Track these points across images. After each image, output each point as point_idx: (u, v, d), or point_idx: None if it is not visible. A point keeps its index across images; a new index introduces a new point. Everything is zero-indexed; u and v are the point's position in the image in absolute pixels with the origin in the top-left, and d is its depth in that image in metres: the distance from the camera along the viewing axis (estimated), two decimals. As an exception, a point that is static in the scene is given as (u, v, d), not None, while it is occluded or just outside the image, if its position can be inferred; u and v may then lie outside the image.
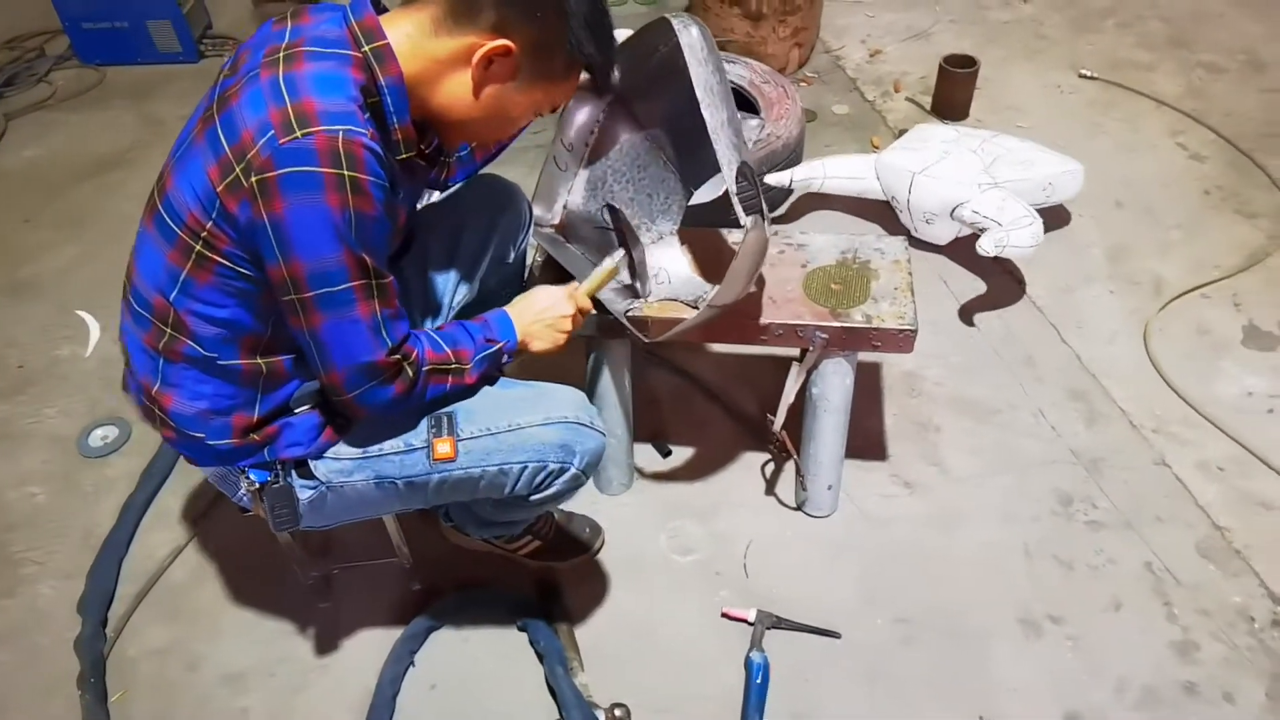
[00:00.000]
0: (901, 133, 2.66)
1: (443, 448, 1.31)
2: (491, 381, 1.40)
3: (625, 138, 1.66)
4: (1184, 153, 2.73)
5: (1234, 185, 2.60)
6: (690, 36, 1.35)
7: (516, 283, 1.71)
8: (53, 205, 2.75)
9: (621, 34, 1.51)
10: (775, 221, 2.53)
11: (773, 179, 2.39)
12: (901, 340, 1.59)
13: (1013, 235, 2.08)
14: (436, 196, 1.68)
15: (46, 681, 1.64)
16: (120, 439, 2.05)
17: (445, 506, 1.73)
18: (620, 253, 1.56)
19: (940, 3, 3.46)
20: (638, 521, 1.86)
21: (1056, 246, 2.43)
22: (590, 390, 1.77)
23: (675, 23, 1.37)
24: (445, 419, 1.33)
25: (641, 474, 1.95)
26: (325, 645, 1.69)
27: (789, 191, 2.56)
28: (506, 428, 1.34)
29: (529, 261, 1.75)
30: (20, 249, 2.61)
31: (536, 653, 1.64)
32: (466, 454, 1.33)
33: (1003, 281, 2.34)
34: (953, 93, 2.84)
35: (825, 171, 2.41)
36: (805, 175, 2.41)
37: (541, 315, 1.41)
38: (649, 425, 2.02)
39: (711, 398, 2.08)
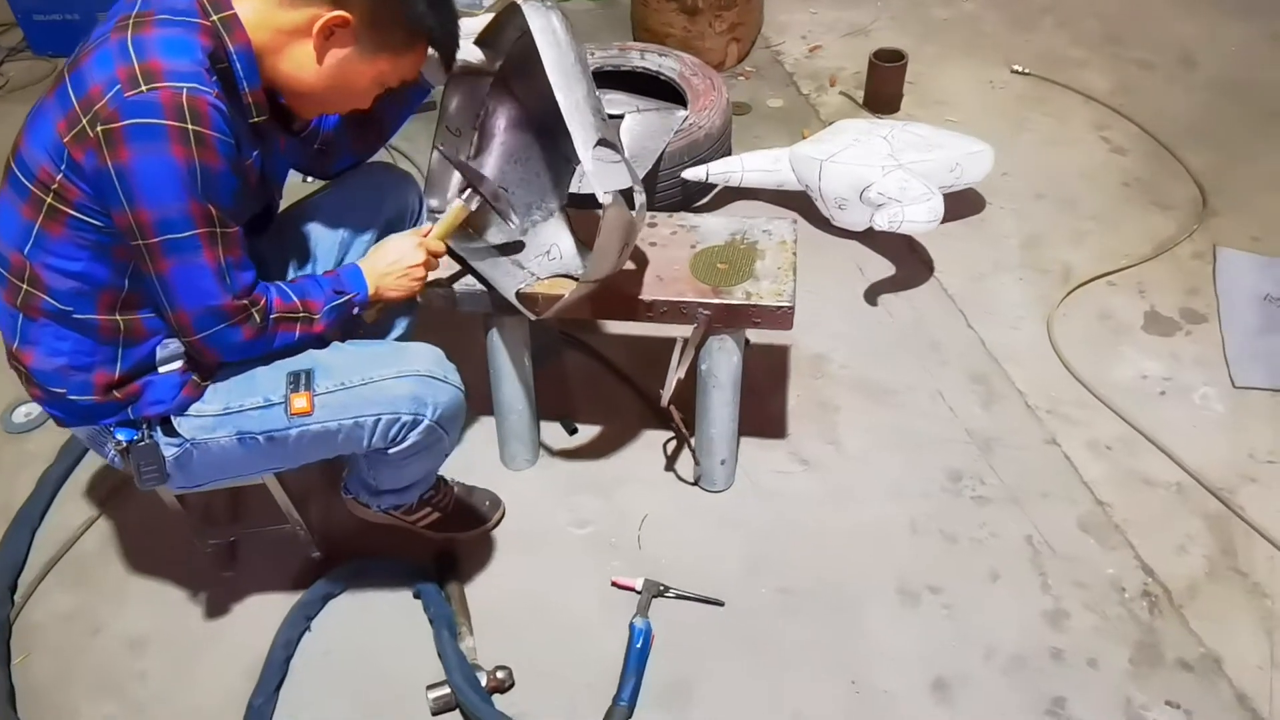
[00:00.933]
0: (830, 125, 2.72)
1: (299, 402, 1.37)
2: (346, 331, 1.45)
3: (509, 119, 1.70)
4: (1107, 146, 2.79)
5: (1153, 178, 2.66)
6: (541, 20, 1.39)
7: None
8: None
9: (483, 20, 1.56)
10: (699, 210, 2.59)
11: (690, 174, 2.45)
12: (779, 316, 1.65)
13: (908, 211, 2.13)
14: None
15: (-48, 645, 1.69)
16: (43, 416, 2.09)
17: (344, 479, 1.78)
18: (466, 193, 1.58)
19: (882, 0, 3.52)
20: (540, 496, 1.91)
21: (972, 237, 2.49)
22: (489, 367, 1.83)
23: (527, 8, 1.41)
24: (303, 375, 1.39)
25: (548, 451, 2.00)
26: (224, 611, 1.74)
27: (710, 186, 2.62)
28: (360, 381, 1.40)
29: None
30: (-37, 234, 2.66)
31: (429, 619, 1.69)
32: (322, 408, 1.38)
33: (918, 270, 2.39)
34: (882, 87, 2.90)
35: (743, 165, 2.47)
36: (723, 169, 2.47)
37: (393, 266, 1.48)
38: (557, 404, 2.07)
39: (621, 379, 2.14)
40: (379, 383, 1.41)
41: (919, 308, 2.29)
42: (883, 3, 3.51)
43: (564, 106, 1.40)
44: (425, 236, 1.54)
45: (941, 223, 2.19)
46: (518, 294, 1.64)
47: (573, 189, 1.81)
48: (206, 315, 1.28)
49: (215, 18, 1.21)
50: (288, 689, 1.62)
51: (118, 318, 1.31)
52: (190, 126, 1.15)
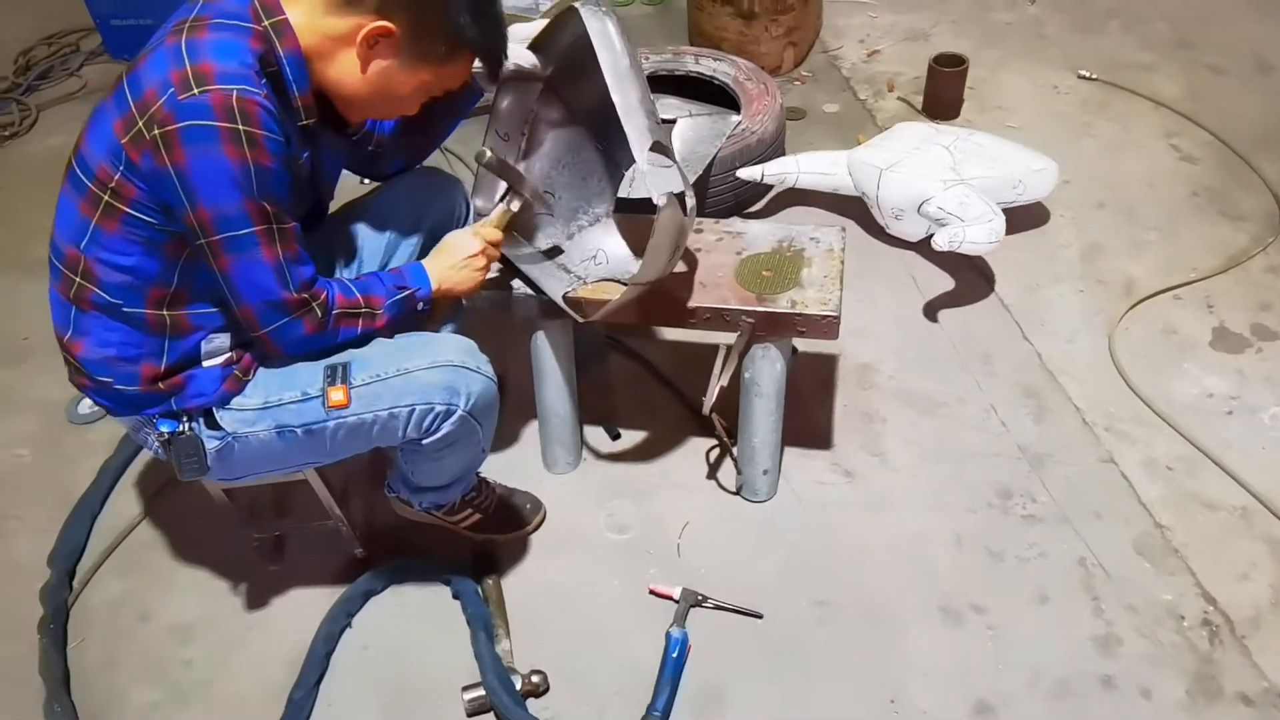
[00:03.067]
0: (888, 130, 2.67)
1: (336, 395, 1.39)
2: (408, 327, 1.48)
3: (558, 124, 1.71)
4: (1176, 154, 2.69)
5: (1224, 187, 2.56)
6: (597, 24, 1.40)
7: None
8: (71, 190, 2.91)
9: (537, 25, 1.58)
10: (751, 216, 2.57)
11: (744, 173, 2.43)
12: (825, 326, 1.62)
13: (969, 232, 2.08)
14: None
15: (12, 627, 1.75)
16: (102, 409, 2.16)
17: (387, 477, 1.81)
18: (509, 196, 1.61)
19: (944, 3, 3.45)
20: (580, 499, 1.91)
21: (1030, 246, 2.42)
22: (533, 370, 1.83)
23: (584, 11, 1.42)
24: (340, 368, 1.41)
25: (592, 454, 2.00)
26: (268, 604, 1.77)
27: (767, 187, 2.59)
28: (394, 373, 1.42)
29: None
30: (38, 228, 2.74)
31: (466, 619, 1.70)
32: (358, 400, 1.41)
33: (972, 280, 2.34)
34: (942, 92, 2.84)
35: (799, 167, 2.44)
36: (778, 170, 2.44)
37: (453, 258, 1.51)
38: (601, 409, 2.07)
39: (664, 384, 2.13)
40: (412, 373, 1.43)
41: (972, 318, 2.24)
42: (943, 7, 3.44)
43: (620, 109, 1.41)
44: (479, 229, 1.56)
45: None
46: (564, 297, 1.64)
47: (621, 193, 1.81)
48: (268, 310, 1.32)
49: (267, 23, 1.24)
50: (327, 683, 1.64)
51: (165, 313, 1.35)
52: (241, 127, 1.18)
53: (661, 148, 1.44)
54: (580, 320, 1.64)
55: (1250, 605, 1.66)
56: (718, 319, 1.65)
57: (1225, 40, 3.11)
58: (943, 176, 2.25)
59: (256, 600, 1.78)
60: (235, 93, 1.18)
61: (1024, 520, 1.81)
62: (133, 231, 1.28)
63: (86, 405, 2.18)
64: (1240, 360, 2.09)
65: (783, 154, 2.59)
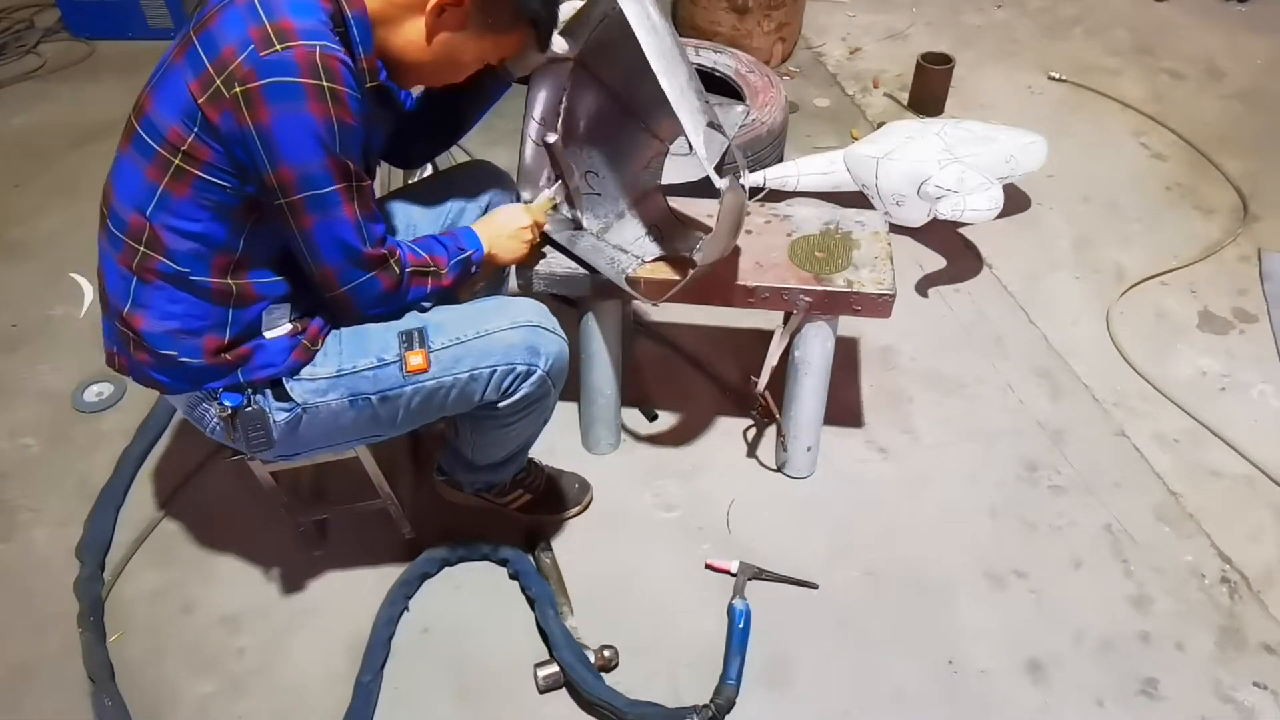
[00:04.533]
0: (880, 125, 2.76)
1: (415, 360, 1.39)
2: (462, 292, 1.49)
3: (596, 102, 1.70)
4: (1146, 152, 2.86)
5: (1193, 183, 2.74)
6: (638, 7, 1.39)
7: (499, 273, 1.77)
8: (43, 173, 2.77)
9: (571, 6, 1.58)
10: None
11: (747, 180, 2.47)
12: (880, 304, 1.68)
13: (969, 200, 2.18)
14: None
15: (41, 620, 1.68)
16: (115, 396, 2.08)
17: (437, 460, 1.79)
18: (557, 183, 1.66)
19: (917, 5, 3.59)
20: (624, 480, 1.93)
21: (1027, 237, 2.55)
22: (581, 351, 1.84)
23: None
24: (416, 333, 1.41)
25: (632, 435, 2.02)
26: (318, 589, 1.74)
27: (761, 189, 2.65)
28: (475, 334, 1.43)
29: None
30: (11, 212, 2.63)
31: (528, 598, 1.70)
32: (437, 363, 1.41)
33: (975, 267, 2.44)
34: (929, 88, 2.96)
35: (799, 170, 2.50)
36: (779, 174, 2.50)
37: (504, 227, 1.54)
38: (636, 391, 2.09)
39: (696, 367, 2.16)
40: (494, 334, 1.43)
41: (980, 304, 2.34)
42: (917, 8, 3.58)
43: (668, 92, 1.40)
44: (529, 207, 1.59)
45: (996, 217, 2.23)
46: (625, 278, 1.66)
47: (665, 180, 1.82)
48: (350, 267, 1.31)
49: None
50: (391, 667, 1.62)
51: (230, 281, 1.32)
52: (325, 84, 1.17)
53: (717, 126, 1.46)
54: (652, 304, 1.65)
55: (1262, 564, 1.79)
56: (776, 298, 1.69)
57: (1180, 48, 3.33)
58: (938, 157, 2.34)
59: (305, 586, 1.74)
60: (319, 49, 1.16)
61: (1051, 491, 1.91)
62: (204, 196, 1.25)
63: (94, 393, 2.09)
64: (1227, 341, 2.25)
65: (785, 144, 2.66)
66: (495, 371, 1.44)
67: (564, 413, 2.01)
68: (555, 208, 1.72)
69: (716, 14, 3.06)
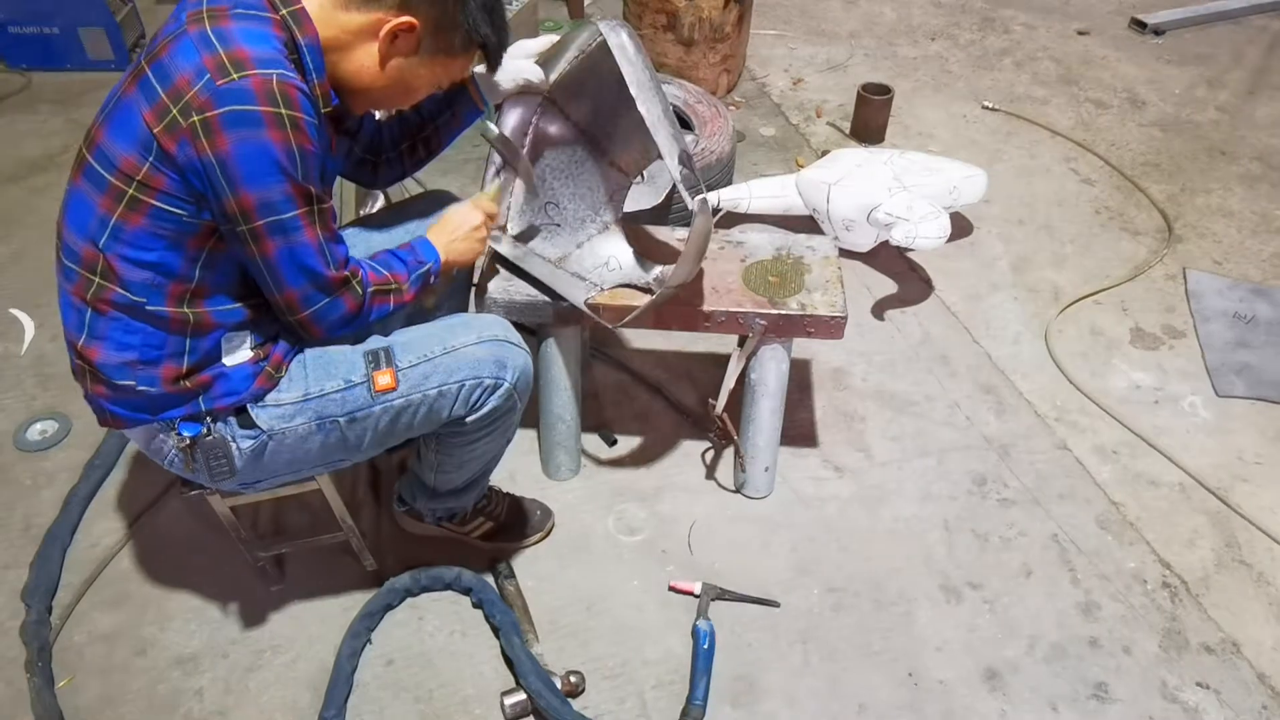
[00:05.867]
0: (823, 153, 2.85)
1: (383, 379, 1.40)
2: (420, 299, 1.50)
3: (560, 137, 1.75)
4: (1076, 177, 2.99)
5: (1120, 206, 2.87)
6: (619, 38, 1.46)
7: (464, 290, 1.78)
8: (-21, 206, 2.70)
9: (547, 40, 1.63)
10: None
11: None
12: (833, 326, 1.73)
13: (921, 227, 2.26)
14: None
15: (-13, 669, 1.62)
16: (60, 433, 2.03)
17: (396, 490, 1.78)
18: (505, 172, 1.68)
19: (855, 37, 3.71)
20: (586, 505, 1.94)
21: (967, 259, 2.64)
22: (540, 377, 1.85)
23: (603, 26, 1.48)
24: (383, 353, 1.42)
25: (592, 460, 2.03)
26: (279, 625, 1.71)
27: (716, 211, 2.71)
28: (442, 351, 1.44)
29: (478, 265, 1.82)
30: (-55, 249, 2.55)
31: (492, 626, 1.69)
32: (406, 381, 1.41)
33: (921, 290, 2.52)
34: (870, 117, 3.05)
35: (751, 193, 2.57)
36: (732, 196, 2.56)
37: (456, 230, 1.54)
38: (595, 417, 2.11)
39: (654, 391, 2.19)
40: (461, 350, 1.45)
41: (926, 325, 2.41)
42: (855, 41, 3.70)
43: (648, 120, 1.46)
44: (478, 201, 1.60)
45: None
46: (586, 303, 1.68)
47: (628, 207, 1.86)
48: (313, 291, 1.31)
49: (284, 11, 1.24)
50: (354, 701, 1.60)
51: (186, 310, 1.31)
52: (284, 111, 1.18)
53: (688, 159, 1.51)
54: (611, 326, 1.68)
55: (1199, 568, 1.87)
56: (732, 322, 1.73)
57: (1103, 79, 3.49)
58: (887, 185, 2.43)
59: (265, 623, 1.71)
60: (275, 76, 1.17)
61: (1000, 504, 1.98)
62: (159, 225, 1.24)
63: (37, 431, 2.03)
64: (1158, 356, 2.35)
65: (733, 173, 2.72)
66: (463, 386, 1.45)
67: (524, 440, 2.02)
68: (527, 223, 1.73)
69: (663, 45, 3.13)
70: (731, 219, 2.71)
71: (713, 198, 2.54)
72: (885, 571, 1.84)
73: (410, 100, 1.45)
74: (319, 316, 1.34)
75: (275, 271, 1.28)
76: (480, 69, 1.65)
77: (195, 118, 1.16)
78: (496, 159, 1.73)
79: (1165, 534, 1.93)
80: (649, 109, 1.48)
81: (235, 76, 1.15)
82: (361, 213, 2.14)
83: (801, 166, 2.93)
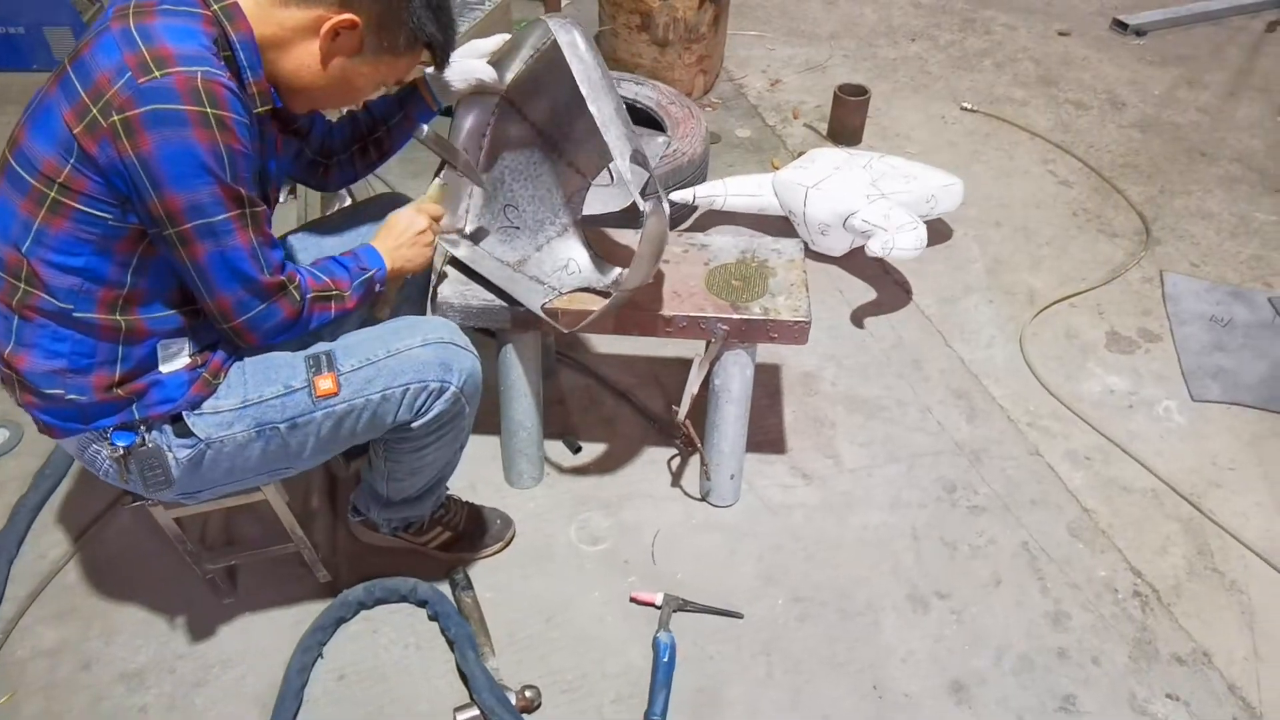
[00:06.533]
0: (799, 155, 2.81)
1: (324, 384, 1.35)
2: (372, 310, 1.47)
3: (518, 138, 1.71)
4: (1054, 179, 2.96)
5: (1097, 208, 2.84)
6: (570, 36, 1.43)
7: (422, 295, 1.74)
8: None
9: (499, 39, 1.59)
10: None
11: (676, 196, 2.50)
12: (796, 331, 1.69)
13: (898, 238, 2.23)
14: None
15: (-74, 685, 1.58)
16: (10, 442, 1.98)
17: (351, 500, 1.74)
18: (445, 171, 1.64)
19: (834, 38, 3.68)
20: (548, 514, 1.90)
21: (942, 261, 2.61)
22: (500, 384, 1.82)
23: (552, 24, 1.45)
24: (324, 357, 1.38)
25: (556, 468, 1.99)
26: (229, 639, 1.67)
27: (693, 208, 2.68)
28: (386, 354, 1.40)
29: (435, 268, 1.78)
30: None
31: (447, 640, 1.65)
32: (348, 385, 1.37)
33: (894, 293, 2.49)
34: (847, 119, 3.02)
35: (726, 190, 2.53)
36: (707, 193, 2.53)
37: (402, 236, 1.50)
38: (559, 423, 2.07)
39: (620, 397, 2.15)
40: (405, 353, 1.41)
41: (899, 328, 2.38)
42: (834, 41, 3.67)
43: (597, 119, 1.43)
44: (421, 205, 1.56)
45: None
46: (543, 308, 1.65)
47: (588, 211, 1.83)
48: (247, 297, 1.26)
49: (216, 7, 1.20)
50: (303, 717, 1.55)
51: (118, 317, 1.26)
52: (210, 110, 1.13)
53: (641, 158, 1.48)
54: (565, 330, 1.65)
55: (1171, 576, 1.84)
56: (693, 327, 1.70)
57: (1083, 80, 3.47)
58: (865, 192, 2.40)
59: (215, 637, 1.67)
60: (200, 74, 1.13)
61: (970, 511, 1.94)
62: (84, 229, 1.20)
63: (-13, 440, 1.98)
64: (1133, 360, 2.32)
65: (706, 175, 2.69)
66: (408, 390, 1.41)
67: (486, 447, 1.98)
68: (467, 233, 1.70)
69: (638, 46, 3.09)
70: (708, 219, 2.69)
71: (687, 194, 2.51)
72: (852, 580, 1.81)
73: (354, 100, 1.42)
74: (254, 323, 1.30)
75: (206, 276, 1.24)
76: (432, 69, 1.62)
77: (116, 117, 1.12)
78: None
79: (1137, 541, 1.90)
80: (599, 107, 1.44)
81: (158, 74, 1.11)
82: (327, 214, 2.09)
83: (778, 169, 2.90)
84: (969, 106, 3.27)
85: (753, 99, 3.29)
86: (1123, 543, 1.90)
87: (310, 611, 1.69)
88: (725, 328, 1.69)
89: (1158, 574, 1.84)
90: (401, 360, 1.40)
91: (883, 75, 3.45)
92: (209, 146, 1.15)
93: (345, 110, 1.67)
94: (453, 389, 1.43)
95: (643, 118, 2.74)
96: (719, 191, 2.53)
